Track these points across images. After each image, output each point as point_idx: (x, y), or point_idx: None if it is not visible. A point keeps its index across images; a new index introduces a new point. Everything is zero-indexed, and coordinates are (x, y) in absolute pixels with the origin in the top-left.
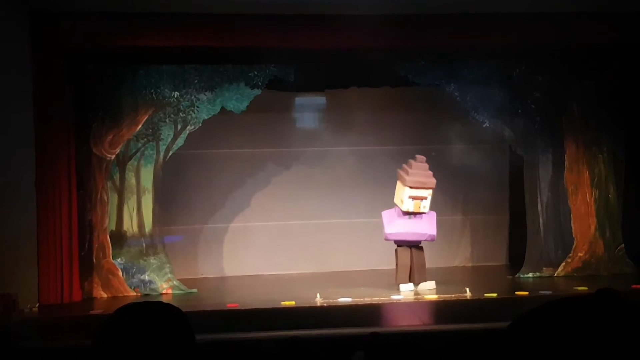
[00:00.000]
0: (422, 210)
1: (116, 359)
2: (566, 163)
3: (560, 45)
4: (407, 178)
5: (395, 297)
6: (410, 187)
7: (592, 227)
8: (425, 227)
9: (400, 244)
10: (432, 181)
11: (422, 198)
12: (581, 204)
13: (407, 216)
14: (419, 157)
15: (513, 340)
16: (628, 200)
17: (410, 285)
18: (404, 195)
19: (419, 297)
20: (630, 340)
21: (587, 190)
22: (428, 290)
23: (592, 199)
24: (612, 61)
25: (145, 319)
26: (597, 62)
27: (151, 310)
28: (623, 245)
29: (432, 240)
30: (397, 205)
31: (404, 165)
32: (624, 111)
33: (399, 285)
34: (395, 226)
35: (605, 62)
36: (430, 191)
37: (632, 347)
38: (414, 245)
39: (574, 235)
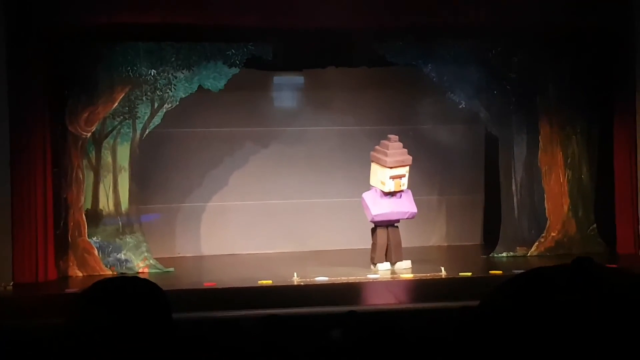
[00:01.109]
0: (402, 187)
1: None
2: (540, 143)
3: (537, 26)
4: (387, 159)
5: (371, 276)
6: (391, 168)
7: (565, 207)
8: (407, 205)
9: (379, 224)
10: (409, 158)
11: (401, 176)
12: (555, 184)
13: (388, 196)
14: (392, 136)
15: (486, 315)
16: (601, 181)
17: (387, 265)
18: (384, 177)
19: (395, 276)
20: (608, 311)
21: (561, 170)
22: (404, 269)
23: (566, 180)
24: (587, 42)
25: (121, 294)
26: (573, 43)
27: (127, 285)
28: (595, 225)
29: (413, 217)
30: (375, 187)
31: (378, 147)
32: (599, 93)
33: (376, 264)
34: (381, 207)
35: (581, 44)
36: (408, 168)
37: (610, 318)
38: (390, 225)
39: (547, 215)
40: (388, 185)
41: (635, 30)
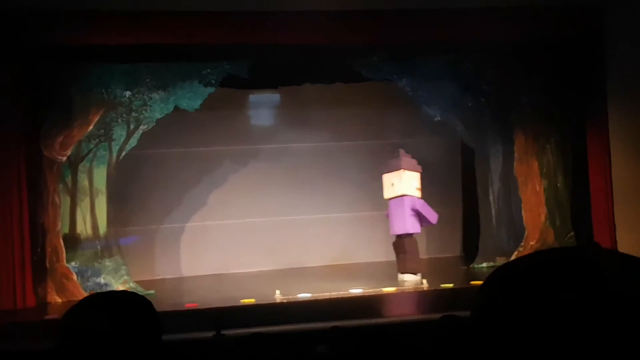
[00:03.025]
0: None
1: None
2: (515, 154)
3: (509, 39)
4: (418, 165)
5: (353, 291)
6: (419, 172)
7: (543, 216)
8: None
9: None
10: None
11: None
12: (531, 194)
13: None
14: (400, 149)
15: (486, 313)
16: (576, 190)
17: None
18: (419, 183)
19: (377, 290)
20: (617, 301)
21: (537, 180)
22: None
23: (542, 189)
24: (559, 55)
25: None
26: (545, 56)
27: (118, 300)
28: (573, 233)
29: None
30: (410, 195)
31: (404, 156)
32: (571, 103)
33: (409, 274)
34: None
35: (553, 56)
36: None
37: (619, 308)
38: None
39: (525, 225)
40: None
41: (606, 42)
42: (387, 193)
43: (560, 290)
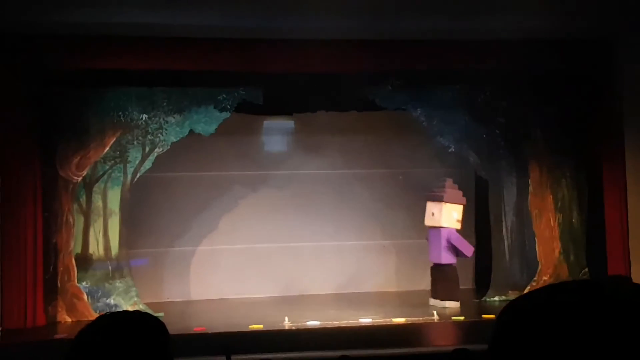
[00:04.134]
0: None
1: None
2: (530, 187)
3: (524, 71)
4: (462, 197)
5: (363, 320)
6: (462, 204)
7: (557, 251)
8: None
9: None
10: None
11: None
12: (545, 227)
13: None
14: (448, 179)
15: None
16: (591, 225)
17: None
18: (459, 214)
19: (387, 320)
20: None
21: (551, 214)
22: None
23: (556, 223)
24: (574, 87)
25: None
26: (560, 88)
27: (131, 320)
28: (587, 269)
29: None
30: (449, 227)
31: (449, 187)
32: (587, 136)
33: (450, 301)
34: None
35: (568, 88)
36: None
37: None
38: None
39: (538, 259)
40: (459, 222)
41: (620, 74)
42: (427, 221)
43: (577, 326)
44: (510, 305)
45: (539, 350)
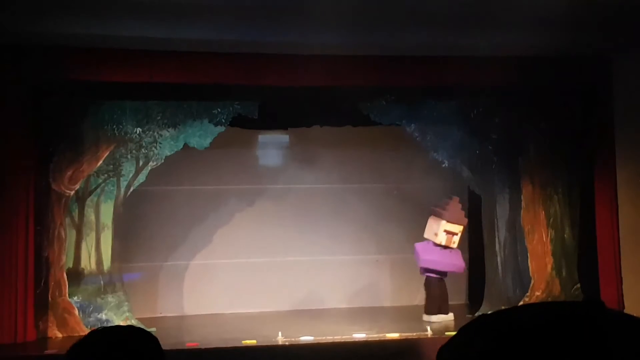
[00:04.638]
0: (452, 245)
1: None
2: (523, 203)
3: (517, 87)
4: (446, 213)
5: (357, 335)
6: (448, 222)
7: (549, 266)
8: (455, 258)
9: (428, 273)
10: (465, 220)
11: (454, 234)
12: (537, 243)
13: (438, 248)
14: (455, 197)
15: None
16: (583, 241)
17: (441, 317)
18: (439, 229)
19: (381, 335)
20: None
21: (544, 230)
22: (446, 321)
23: (549, 239)
24: (567, 103)
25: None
26: (553, 104)
27: (124, 335)
28: (579, 284)
29: (460, 271)
30: (428, 239)
31: (439, 203)
32: (579, 152)
33: (429, 315)
34: (431, 254)
35: (561, 105)
36: (462, 228)
37: None
38: (440, 278)
39: (531, 275)
40: (440, 237)
41: (614, 92)
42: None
43: (560, 352)
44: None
45: None
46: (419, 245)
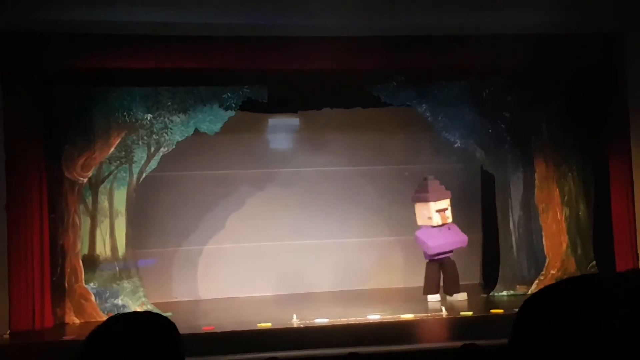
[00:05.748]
0: (447, 220)
1: None
2: (536, 182)
3: (529, 66)
4: (429, 195)
5: (372, 317)
6: (435, 202)
7: (564, 245)
8: (457, 234)
9: (435, 257)
10: (448, 192)
11: (445, 209)
12: (552, 221)
13: (437, 229)
14: (428, 176)
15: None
16: (598, 218)
17: (437, 296)
18: (431, 212)
19: (395, 316)
20: None
21: (558, 208)
22: (459, 300)
23: (563, 217)
24: (580, 81)
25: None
26: (566, 82)
27: (142, 321)
28: (595, 262)
29: (464, 245)
30: (424, 226)
31: (417, 189)
32: (593, 130)
33: (427, 296)
34: (436, 240)
35: (574, 83)
36: (449, 201)
37: None
38: (446, 258)
39: (546, 253)
40: (435, 219)
41: (628, 69)
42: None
43: (609, 320)
44: (537, 299)
45: (567, 343)
46: (420, 234)
